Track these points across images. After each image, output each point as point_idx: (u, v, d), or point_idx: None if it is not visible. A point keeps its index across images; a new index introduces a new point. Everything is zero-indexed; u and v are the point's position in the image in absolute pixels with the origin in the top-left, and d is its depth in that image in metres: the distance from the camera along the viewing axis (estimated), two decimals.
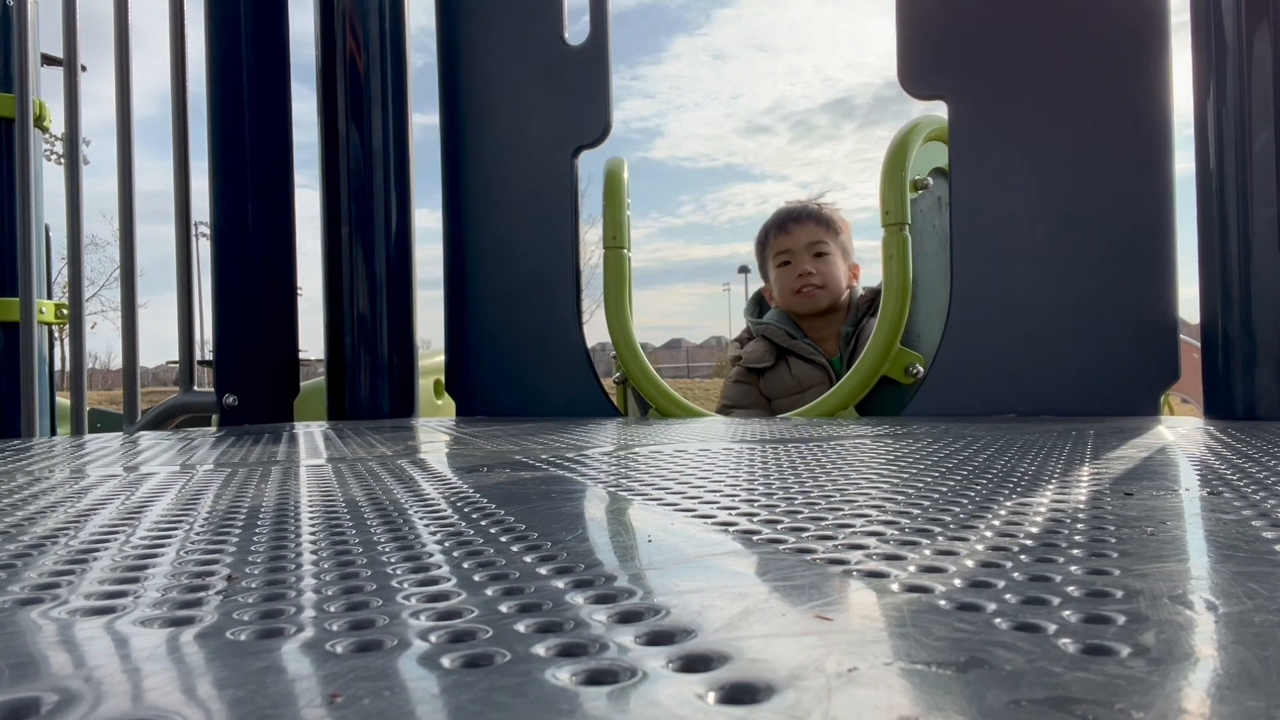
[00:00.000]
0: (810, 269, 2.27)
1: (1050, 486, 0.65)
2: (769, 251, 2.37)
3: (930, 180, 1.87)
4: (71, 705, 0.23)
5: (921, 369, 1.80)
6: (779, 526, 0.50)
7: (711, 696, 0.23)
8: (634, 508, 0.60)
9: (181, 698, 0.24)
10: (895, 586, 0.35)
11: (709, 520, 0.53)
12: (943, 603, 0.33)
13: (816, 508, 0.57)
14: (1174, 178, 1.64)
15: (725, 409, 2.36)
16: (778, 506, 0.57)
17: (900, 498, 0.60)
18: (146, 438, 1.47)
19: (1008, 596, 0.33)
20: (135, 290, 2.33)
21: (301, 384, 2.33)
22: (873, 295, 2.31)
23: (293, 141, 2.31)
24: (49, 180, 2.61)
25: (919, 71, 1.78)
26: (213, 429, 1.95)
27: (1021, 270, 1.71)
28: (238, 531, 0.52)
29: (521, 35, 2.16)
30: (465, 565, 0.41)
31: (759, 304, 2.55)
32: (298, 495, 0.68)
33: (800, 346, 2.31)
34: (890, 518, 0.52)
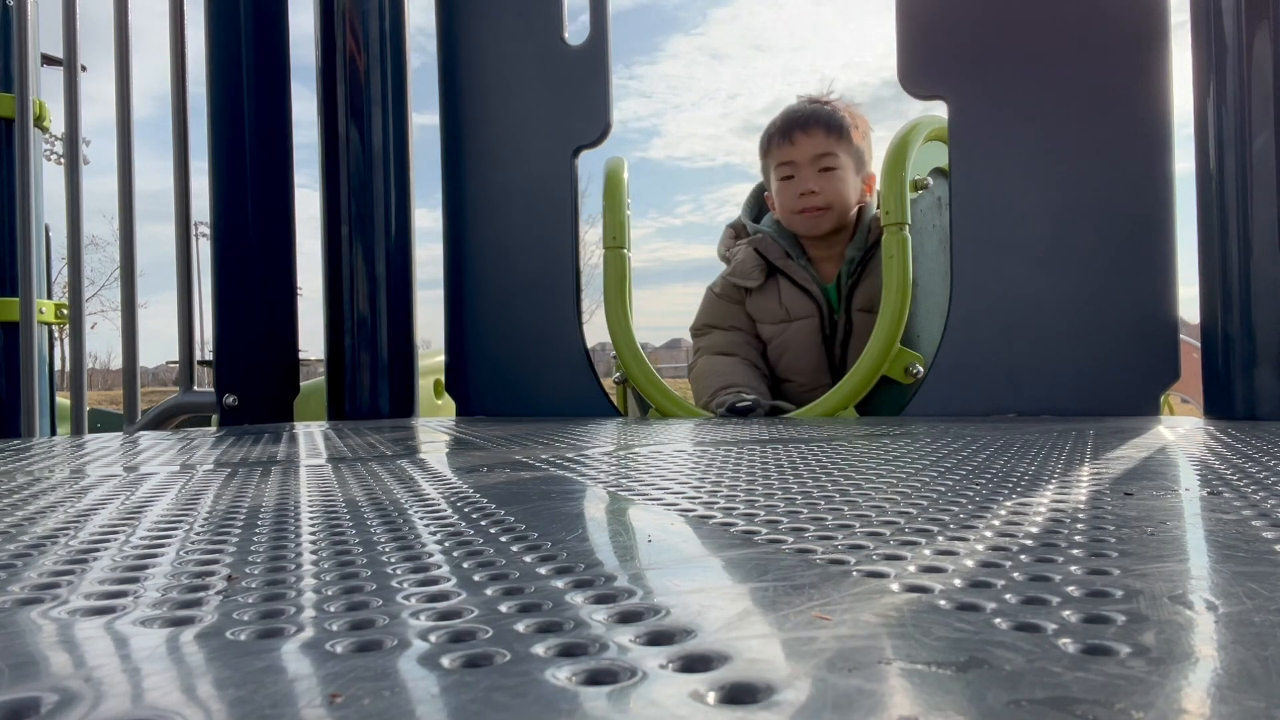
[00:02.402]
0: (814, 187, 1.98)
1: (1050, 486, 0.65)
2: (770, 160, 2.09)
3: (930, 180, 1.87)
4: (71, 705, 0.23)
5: (921, 369, 1.80)
6: (779, 527, 0.50)
7: (711, 696, 0.23)
8: (634, 508, 0.60)
9: (181, 698, 0.24)
10: (895, 586, 0.35)
11: (709, 520, 0.53)
12: (943, 603, 0.33)
13: (816, 508, 0.56)
14: (1174, 178, 1.64)
15: (704, 330, 2.13)
16: (778, 507, 0.57)
17: (900, 498, 0.60)
18: (146, 438, 1.47)
19: (1008, 596, 0.33)
20: (135, 290, 2.33)
21: (301, 384, 2.33)
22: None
23: (293, 141, 2.31)
24: (49, 180, 2.61)
25: (919, 71, 1.78)
26: (213, 429, 1.95)
27: (1021, 270, 1.71)
28: (238, 531, 0.52)
29: (521, 35, 2.16)
30: (465, 565, 0.41)
31: (759, 203, 2.24)
32: (298, 495, 0.68)
33: (793, 268, 2.06)
34: (890, 518, 0.52)
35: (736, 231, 2.24)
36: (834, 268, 2.05)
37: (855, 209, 2.05)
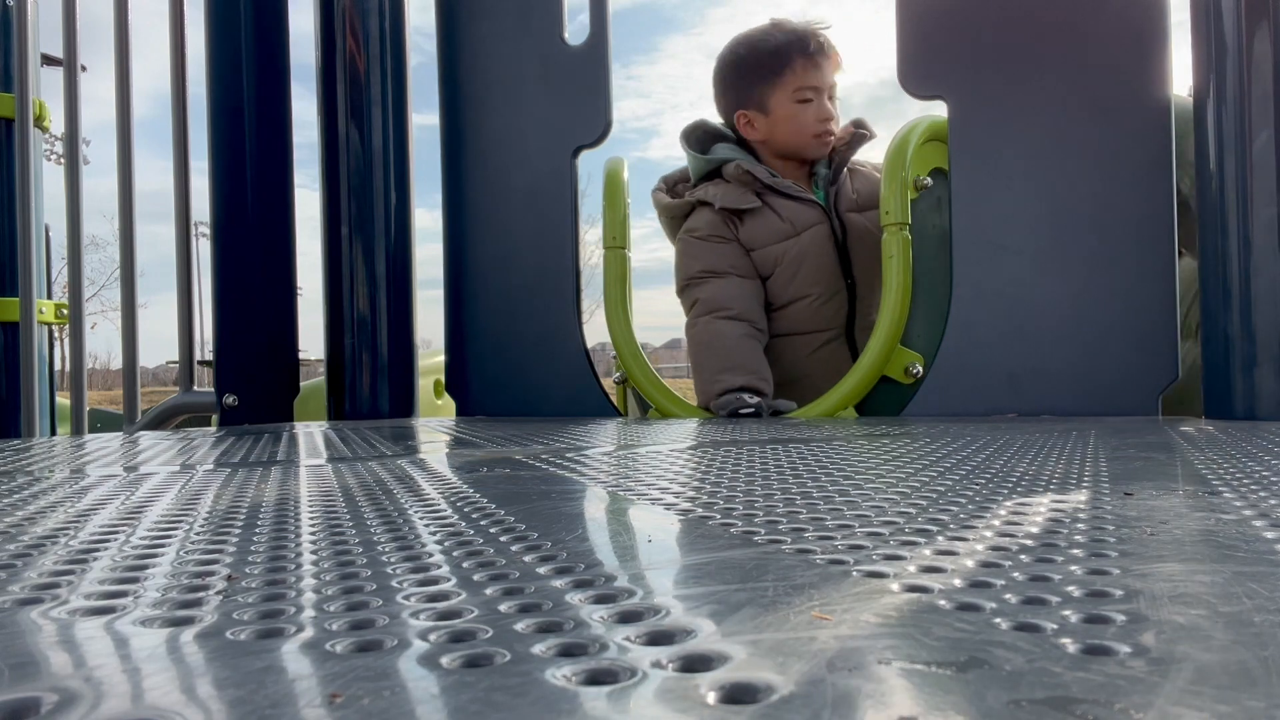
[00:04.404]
0: (833, 113, 2.00)
1: (1050, 486, 0.65)
2: (787, 79, 1.97)
3: (930, 180, 1.87)
4: (71, 705, 0.23)
5: (921, 369, 1.80)
6: (779, 527, 0.50)
7: (711, 696, 0.23)
8: (634, 508, 0.60)
9: (181, 698, 0.24)
10: (895, 586, 0.35)
11: (709, 520, 0.53)
12: (943, 603, 0.33)
13: (816, 508, 0.56)
14: (1174, 177, 1.64)
15: (701, 278, 1.98)
16: (777, 507, 0.57)
17: (900, 498, 0.60)
18: (146, 438, 1.47)
19: (1008, 596, 0.33)
20: (135, 290, 2.33)
21: (301, 384, 2.33)
22: (851, 133, 2.05)
23: (293, 141, 2.31)
24: (49, 180, 2.61)
25: (919, 71, 1.78)
26: (213, 429, 1.95)
27: (1021, 270, 1.71)
28: (238, 531, 0.52)
29: (521, 35, 2.16)
30: (465, 565, 0.41)
31: (709, 137, 2.08)
32: (298, 495, 0.68)
33: (785, 185, 2.00)
34: (890, 518, 0.52)
35: (669, 186, 2.12)
36: (807, 185, 2.04)
37: None
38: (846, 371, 1.89)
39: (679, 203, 2.07)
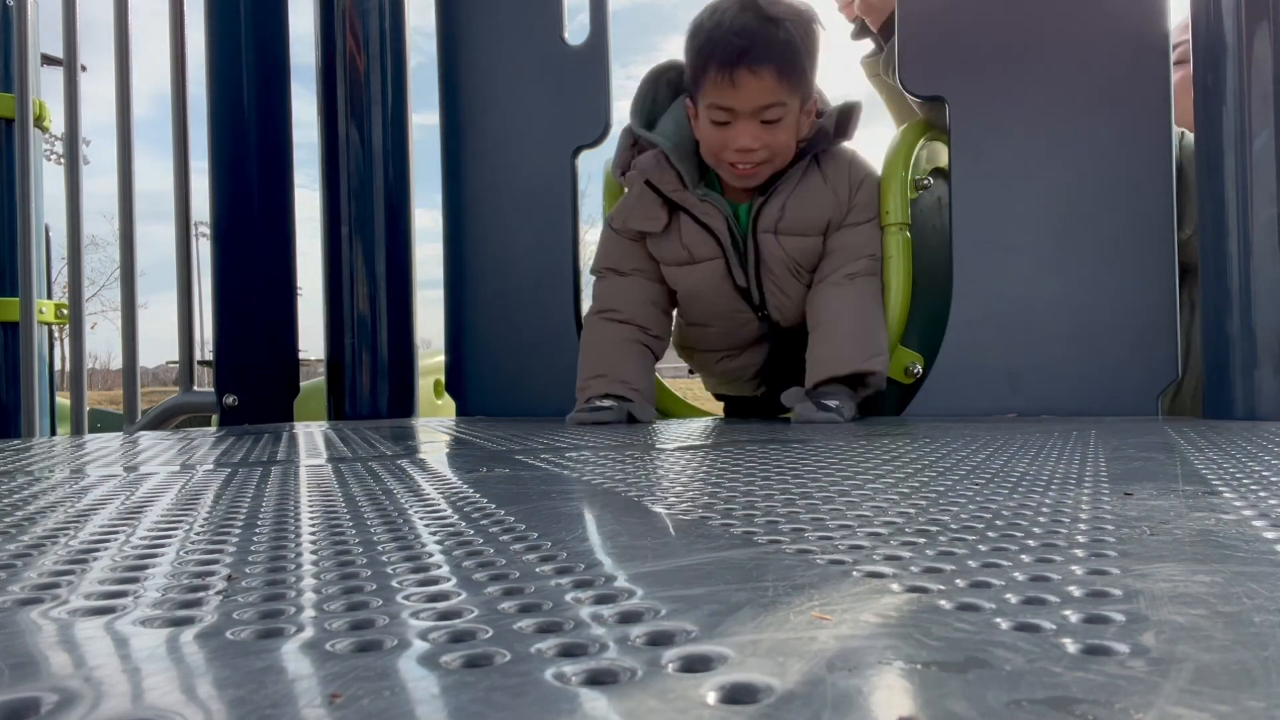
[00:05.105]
0: (753, 145, 1.59)
1: (1050, 486, 0.65)
2: (701, 94, 1.61)
3: (930, 180, 1.87)
4: (71, 705, 0.23)
5: (921, 369, 1.80)
6: (779, 527, 0.50)
7: (711, 696, 0.23)
8: (634, 507, 0.60)
9: (181, 698, 0.24)
10: (895, 586, 0.35)
11: (709, 520, 0.53)
12: (943, 603, 0.33)
13: (816, 508, 0.57)
14: (1174, 178, 1.64)
15: (600, 275, 1.84)
16: (777, 507, 0.57)
17: (900, 498, 0.60)
18: (146, 438, 1.47)
19: (1008, 596, 0.33)
20: (135, 290, 2.33)
21: (301, 384, 2.33)
22: (820, 130, 1.68)
23: (293, 141, 2.31)
24: (49, 180, 2.61)
25: (919, 71, 1.78)
26: (213, 429, 1.95)
27: (1022, 270, 1.71)
28: (238, 531, 0.52)
29: (521, 35, 2.16)
30: (465, 565, 0.41)
31: (655, 98, 1.78)
32: (298, 495, 0.68)
33: (691, 201, 1.69)
34: (890, 518, 0.52)
35: (635, 139, 1.79)
36: (745, 193, 1.72)
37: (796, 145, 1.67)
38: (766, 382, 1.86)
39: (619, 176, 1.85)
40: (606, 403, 1.68)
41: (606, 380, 1.72)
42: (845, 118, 1.71)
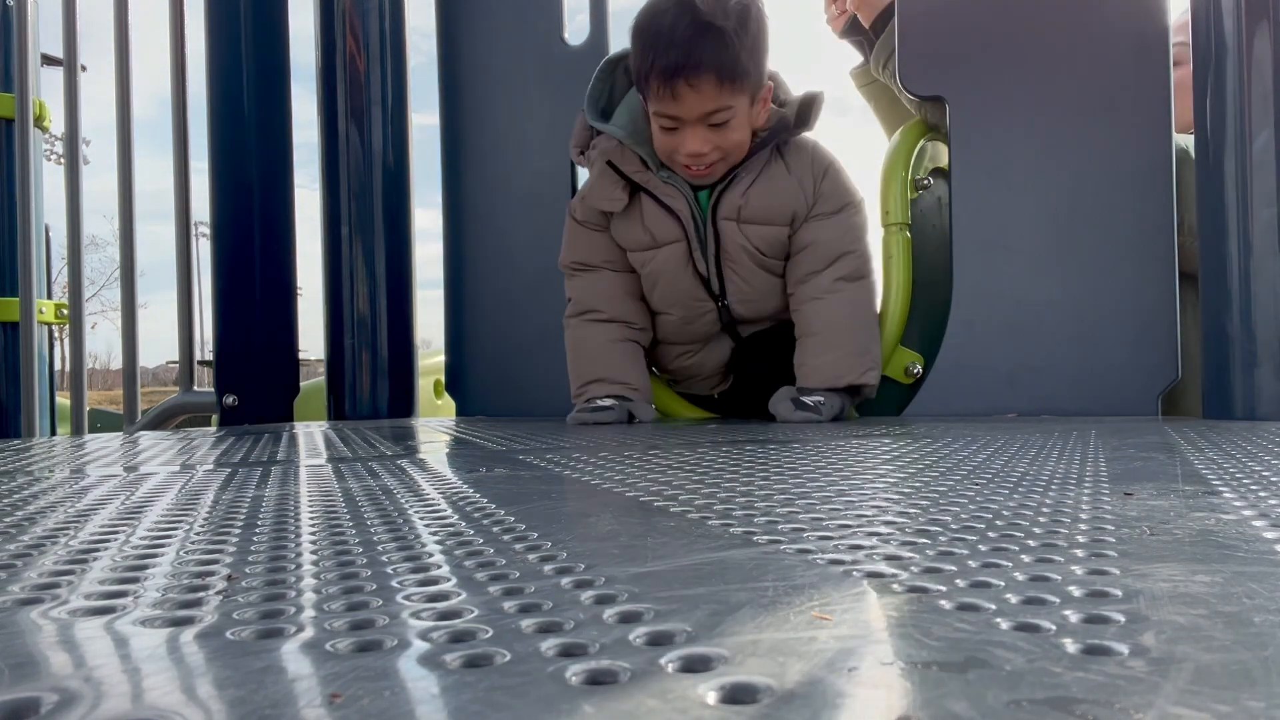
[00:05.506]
0: (702, 149, 1.59)
1: (1050, 486, 0.65)
2: (647, 99, 1.62)
3: (930, 180, 1.87)
4: (71, 705, 0.23)
5: (921, 369, 1.80)
6: (779, 527, 0.50)
7: (711, 696, 0.23)
8: (634, 507, 0.60)
9: (181, 698, 0.24)
10: (895, 586, 0.35)
11: (709, 520, 0.53)
12: (943, 603, 0.33)
13: (816, 508, 0.57)
14: (1174, 178, 1.64)
15: (572, 272, 1.82)
16: (777, 507, 0.57)
17: (900, 498, 0.60)
18: (146, 438, 1.47)
19: (1008, 596, 0.33)
20: (135, 290, 2.33)
21: (301, 384, 2.33)
22: (782, 120, 1.66)
23: (293, 141, 2.31)
24: (49, 180, 2.61)
25: (919, 71, 1.78)
26: (213, 429, 1.95)
27: (1022, 270, 1.72)
28: (238, 531, 0.52)
29: (521, 35, 2.16)
30: (465, 565, 0.41)
31: (613, 85, 1.76)
32: (298, 495, 0.68)
33: (654, 182, 1.69)
34: (890, 518, 0.52)
35: (582, 141, 1.80)
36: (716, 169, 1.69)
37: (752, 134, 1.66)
38: (729, 373, 1.86)
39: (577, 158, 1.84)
40: (608, 402, 1.69)
41: (605, 384, 1.74)
42: (806, 108, 1.69)
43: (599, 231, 1.78)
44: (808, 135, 1.72)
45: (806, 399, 1.62)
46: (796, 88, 1.74)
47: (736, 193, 1.67)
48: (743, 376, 1.86)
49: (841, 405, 1.65)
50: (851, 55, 2.28)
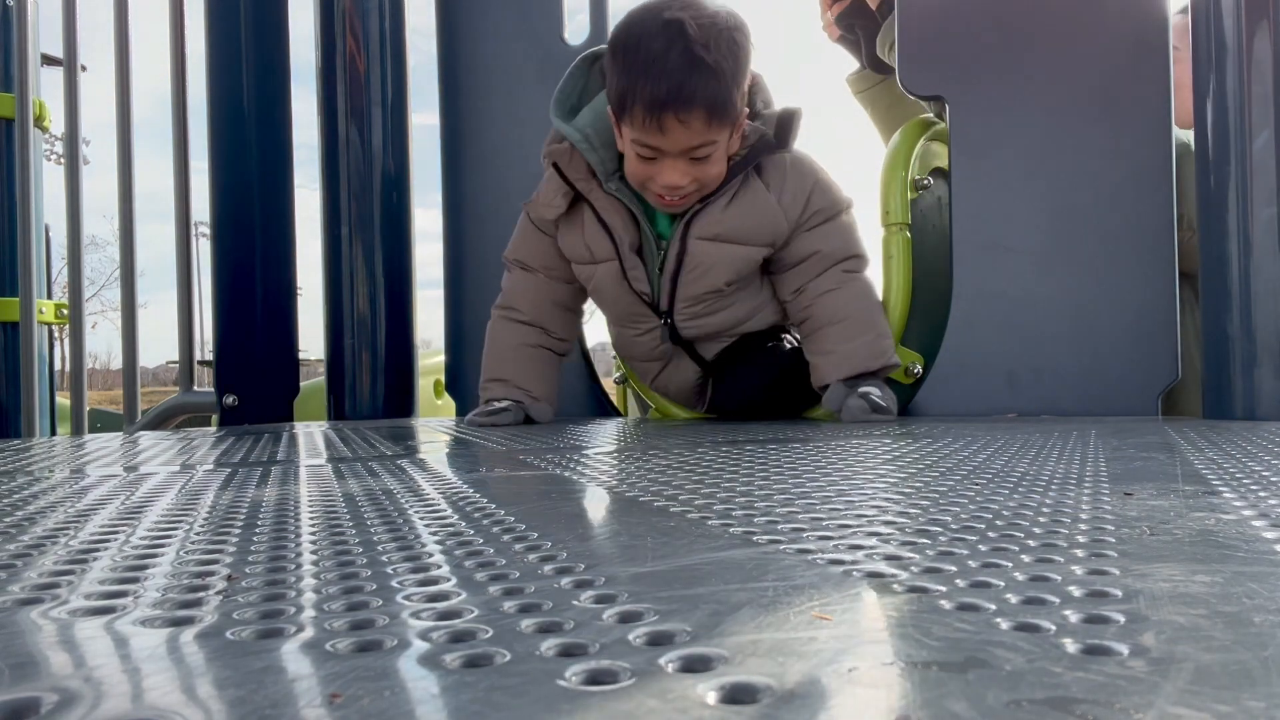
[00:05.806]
0: (680, 182, 1.52)
1: (1050, 486, 0.65)
2: (626, 122, 1.51)
3: (930, 180, 1.87)
4: (71, 705, 0.23)
5: (921, 369, 1.80)
6: (779, 527, 0.50)
7: (711, 696, 0.23)
8: (633, 508, 0.60)
9: (181, 698, 0.24)
10: (895, 586, 0.35)
11: (709, 520, 0.53)
12: (943, 603, 0.33)
13: (816, 508, 0.57)
14: (1174, 178, 1.64)
15: (509, 266, 1.80)
16: (777, 507, 0.57)
17: (900, 498, 0.60)
18: (146, 438, 1.47)
19: (1008, 596, 0.33)
20: (135, 290, 2.33)
21: (301, 384, 2.33)
22: (762, 140, 1.58)
23: (293, 141, 2.32)
24: (49, 180, 2.61)
25: (920, 71, 1.78)
26: (213, 429, 1.95)
27: (1021, 270, 1.71)
28: (238, 531, 0.52)
29: (521, 35, 2.16)
30: (465, 565, 0.41)
31: (586, 85, 1.67)
32: (298, 495, 0.68)
33: (596, 193, 1.62)
34: (890, 518, 0.52)
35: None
36: None
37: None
38: (694, 389, 1.85)
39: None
40: (504, 404, 1.68)
41: (505, 385, 1.73)
42: (785, 126, 1.61)
43: (546, 236, 1.74)
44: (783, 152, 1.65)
45: (875, 398, 1.56)
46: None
47: (714, 211, 1.60)
48: (720, 399, 1.84)
49: (892, 394, 1.62)
50: (848, 61, 2.29)
